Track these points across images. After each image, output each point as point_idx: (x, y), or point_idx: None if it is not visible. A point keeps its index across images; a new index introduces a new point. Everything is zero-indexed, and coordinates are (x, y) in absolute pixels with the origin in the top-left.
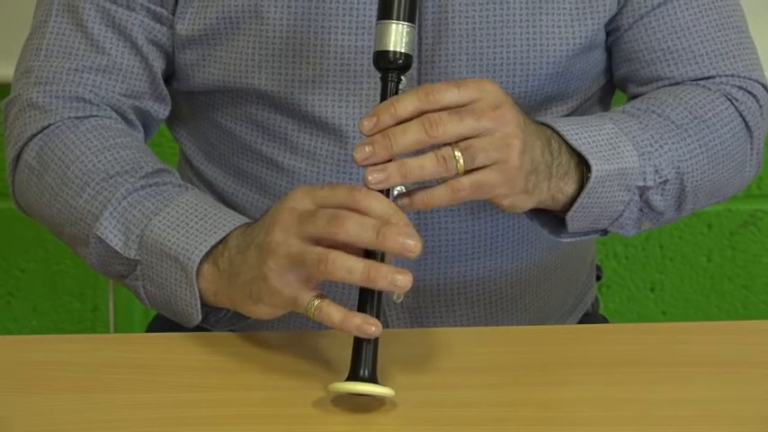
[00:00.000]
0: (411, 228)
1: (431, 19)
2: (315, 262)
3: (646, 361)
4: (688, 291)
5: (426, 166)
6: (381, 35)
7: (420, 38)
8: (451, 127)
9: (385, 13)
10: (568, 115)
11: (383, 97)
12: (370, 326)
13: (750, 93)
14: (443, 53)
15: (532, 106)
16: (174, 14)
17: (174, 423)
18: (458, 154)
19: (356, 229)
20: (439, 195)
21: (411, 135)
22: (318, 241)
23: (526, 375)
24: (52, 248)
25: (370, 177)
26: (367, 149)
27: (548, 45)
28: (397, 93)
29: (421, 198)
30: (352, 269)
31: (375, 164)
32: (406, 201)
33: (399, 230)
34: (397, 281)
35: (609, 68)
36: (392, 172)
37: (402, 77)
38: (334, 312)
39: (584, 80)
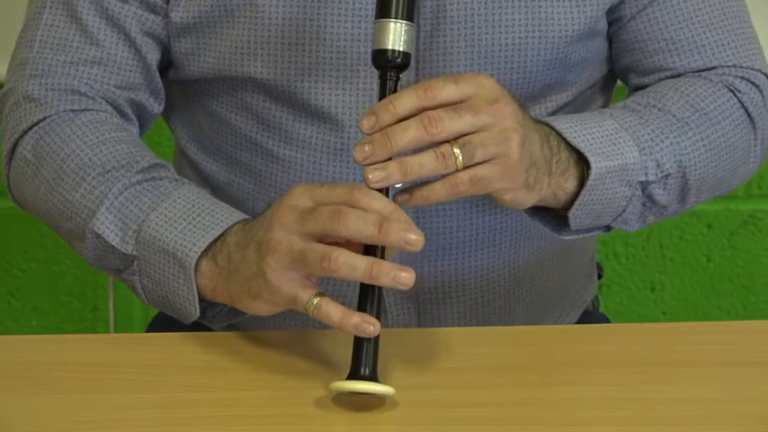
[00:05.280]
0: (412, 223)
1: (429, 6)
2: (317, 259)
3: (646, 361)
4: (688, 291)
5: (426, 163)
6: (380, 34)
7: (418, 25)
8: (450, 124)
9: (383, 11)
10: (568, 103)
11: (382, 96)
12: (368, 325)
13: (752, 83)
14: (441, 40)
15: (531, 94)
16: (167, 3)
17: (174, 423)
18: (456, 151)
19: (357, 224)
20: (438, 190)
21: (411, 133)
22: (320, 239)
23: (526, 375)
24: (52, 248)
25: (370, 176)
26: (367, 149)
27: (546, 31)
28: (395, 91)
29: (420, 194)
30: (355, 266)
31: (375, 163)
32: (405, 197)
33: (400, 225)
34: (400, 278)
35: (610, 58)
36: (392, 170)
37: (401, 75)
38: (333, 311)
39: (584, 69)
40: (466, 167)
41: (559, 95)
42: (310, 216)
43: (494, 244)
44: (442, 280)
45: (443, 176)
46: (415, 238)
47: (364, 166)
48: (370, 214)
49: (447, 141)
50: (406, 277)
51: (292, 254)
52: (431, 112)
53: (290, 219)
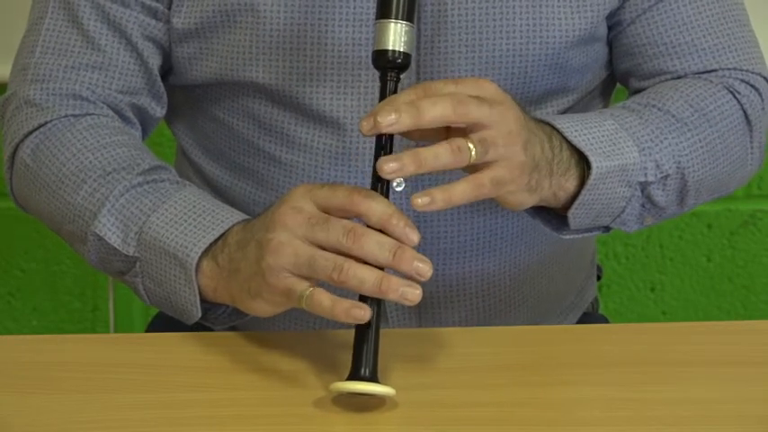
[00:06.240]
0: (416, 230)
1: (430, 11)
2: (326, 269)
3: (646, 361)
4: (688, 291)
5: (441, 155)
6: (380, 34)
7: (419, 29)
8: (474, 109)
9: (384, 12)
10: (569, 109)
11: (382, 97)
12: (359, 310)
13: (752, 86)
14: (442, 45)
15: (532, 99)
16: (169, 9)
17: (174, 423)
18: (471, 146)
19: (373, 248)
20: (461, 191)
21: (439, 108)
22: (324, 248)
23: (526, 375)
24: (52, 248)
25: (384, 167)
26: (393, 116)
27: (547, 36)
28: (396, 92)
29: (441, 196)
30: (365, 280)
31: (388, 133)
32: (426, 200)
33: (414, 254)
34: (407, 294)
35: (610, 63)
36: (406, 161)
37: (401, 77)
38: (325, 300)
39: (584, 74)
40: (475, 166)
41: (560, 100)
42: (322, 226)
43: (494, 248)
44: (442, 284)
45: (441, 177)
46: (425, 269)
47: (371, 135)
48: (387, 239)
49: (460, 137)
50: (413, 293)
51: (298, 257)
52: (459, 94)
53: (294, 221)
